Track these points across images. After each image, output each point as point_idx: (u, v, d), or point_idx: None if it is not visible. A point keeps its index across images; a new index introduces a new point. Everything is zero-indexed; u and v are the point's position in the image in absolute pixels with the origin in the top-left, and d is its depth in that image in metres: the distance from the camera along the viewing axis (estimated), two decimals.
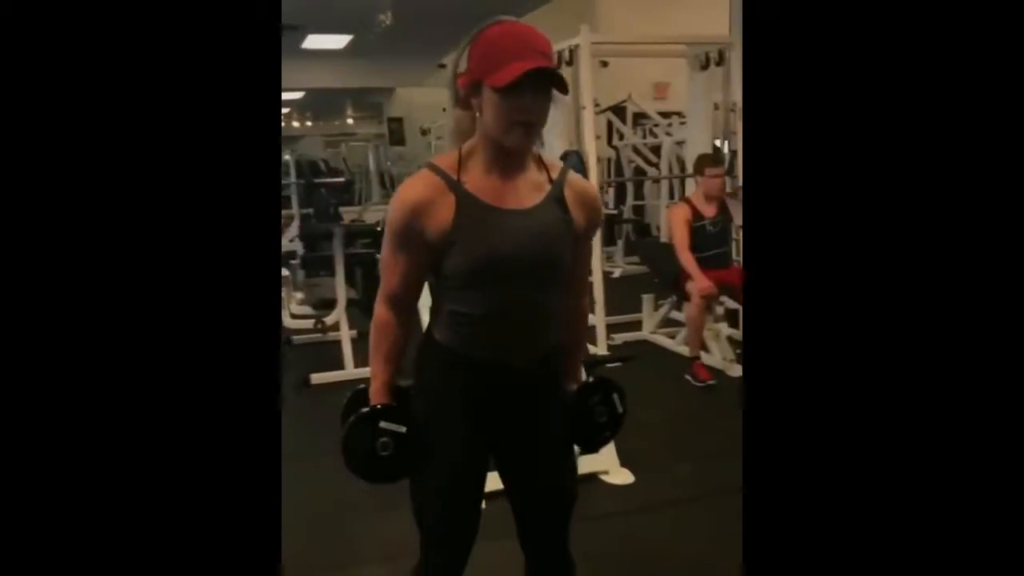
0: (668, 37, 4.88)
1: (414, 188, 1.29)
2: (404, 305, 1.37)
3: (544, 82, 1.20)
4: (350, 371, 4.25)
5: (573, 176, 1.36)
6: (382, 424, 1.34)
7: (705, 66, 4.76)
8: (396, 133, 11.42)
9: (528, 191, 1.31)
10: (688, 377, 4.00)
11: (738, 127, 4.56)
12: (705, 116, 4.84)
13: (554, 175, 1.34)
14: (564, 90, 1.22)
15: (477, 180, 1.29)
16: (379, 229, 5.41)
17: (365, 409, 1.36)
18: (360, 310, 5.32)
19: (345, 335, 4.34)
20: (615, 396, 1.52)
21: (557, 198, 1.33)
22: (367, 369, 4.34)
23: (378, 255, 5.15)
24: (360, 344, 4.56)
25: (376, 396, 1.38)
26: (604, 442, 1.55)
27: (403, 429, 1.34)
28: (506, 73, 1.18)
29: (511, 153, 1.28)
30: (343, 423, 1.41)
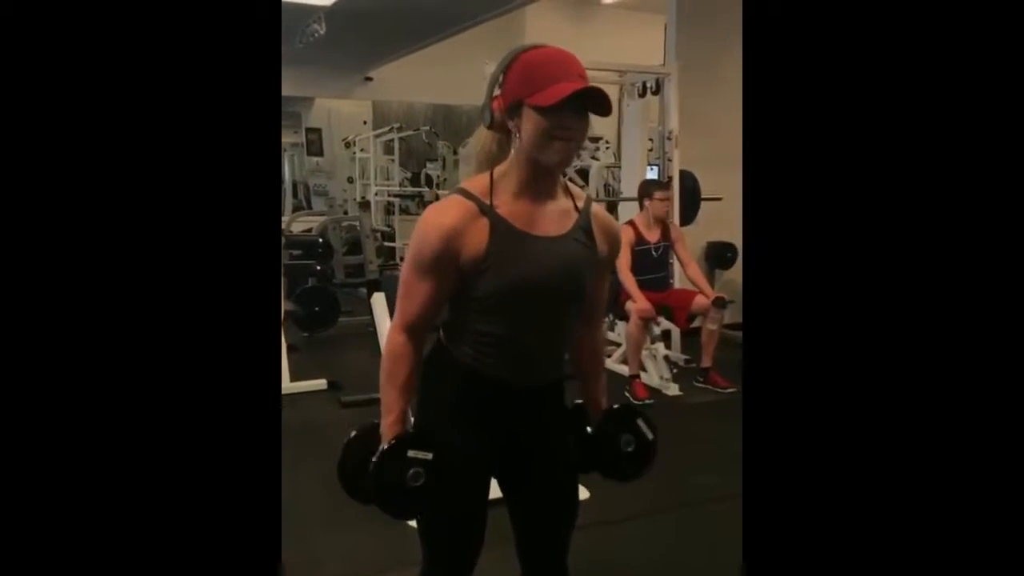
0: (609, 64, 5.03)
1: (448, 213, 1.28)
2: (422, 332, 1.36)
3: (582, 103, 1.23)
4: (287, 384, 4.15)
5: (596, 207, 1.40)
6: (410, 454, 1.29)
7: (643, 94, 4.95)
8: (314, 144, 11.22)
9: (557, 217, 1.33)
10: (627, 395, 4.11)
11: (674, 154, 4.77)
12: (641, 142, 5.01)
13: (579, 204, 1.37)
14: (607, 112, 1.23)
15: (508, 204, 1.29)
16: (321, 240, 5.32)
17: (390, 443, 1.31)
18: (296, 323, 5.22)
19: (281, 347, 4.23)
20: (640, 422, 1.53)
21: (584, 227, 1.35)
22: (304, 383, 4.25)
23: (318, 266, 5.05)
24: (295, 357, 4.47)
25: (393, 429, 1.33)
26: (636, 473, 1.54)
27: (430, 456, 1.30)
28: (552, 93, 1.20)
29: (545, 175, 1.30)
30: (342, 469, 1.42)
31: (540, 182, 1.30)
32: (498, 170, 1.31)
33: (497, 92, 1.28)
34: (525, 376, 1.37)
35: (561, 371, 1.44)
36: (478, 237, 1.27)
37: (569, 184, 1.38)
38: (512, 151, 1.30)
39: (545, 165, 1.27)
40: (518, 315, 1.31)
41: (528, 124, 1.24)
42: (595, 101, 1.23)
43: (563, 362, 1.44)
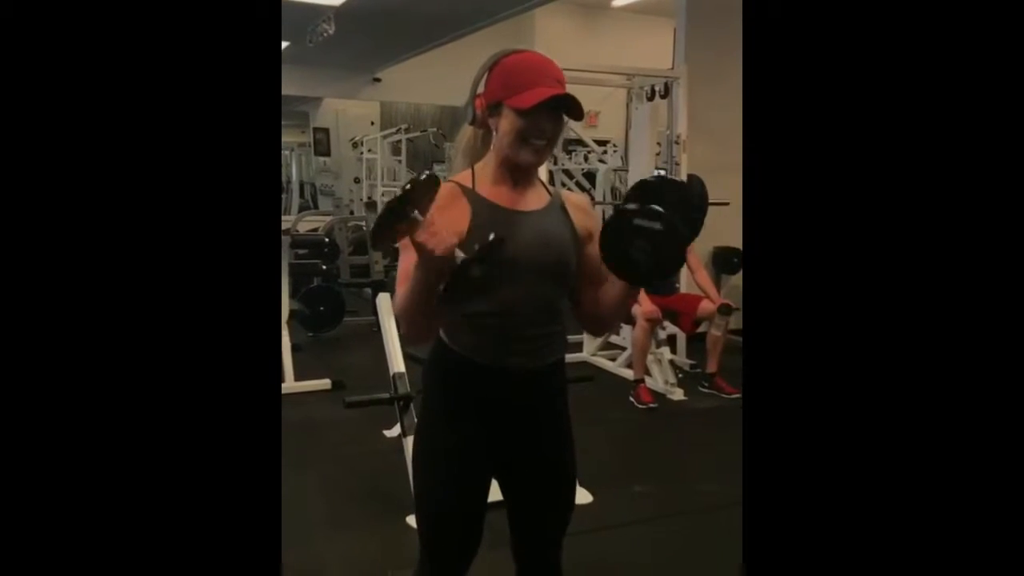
0: (618, 68, 5.04)
1: None
2: None
3: (557, 107, 1.31)
4: (290, 384, 4.16)
5: (566, 191, 1.50)
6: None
7: (651, 97, 4.94)
8: (321, 144, 11.26)
9: (534, 198, 1.41)
10: (631, 399, 4.10)
11: (682, 158, 4.76)
12: (649, 146, 5.00)
13: (551, 191, 1.47)
14: (580, 116, 1.31)
15: (489, 189, 1.37)
16: (327, 240, 5.33)
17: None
18: (301, 323, 5.23)
19: (286, 346, 4.23)
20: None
21: (559, 205, 1.44)
22: (308, 383, 4.24)
23: (323, 266, 5.06)
24: (299, 357, 4.48)
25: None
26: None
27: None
28: (529, 97, 1.28)
29: (520, 171, 1.37)
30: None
31: (517, 174, 1.38)
32: (479, 165, 1.40)
33: (480, 91, 1.36)
34: (520, 356, 1.38)
35: (558, 353, 1.45)
36: (460, 214, 1.33)
37: (539, 179, 1.46)
38: (491, 147, 1.38)
39: (519, 163, 1.35)
40: (506, 290, 1.33)
41: (506, 124, 1.32)
42: (569, 106, 1.31)
43: (559, 341, 1.45)
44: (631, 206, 1.27)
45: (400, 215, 1.10)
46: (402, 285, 1.33)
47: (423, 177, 1.11)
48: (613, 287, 1.41)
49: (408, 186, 1.09)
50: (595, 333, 1.51)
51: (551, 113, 1.31)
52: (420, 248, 1.13)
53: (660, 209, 1.25)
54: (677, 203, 1.31)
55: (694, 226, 1.37)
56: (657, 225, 1.24)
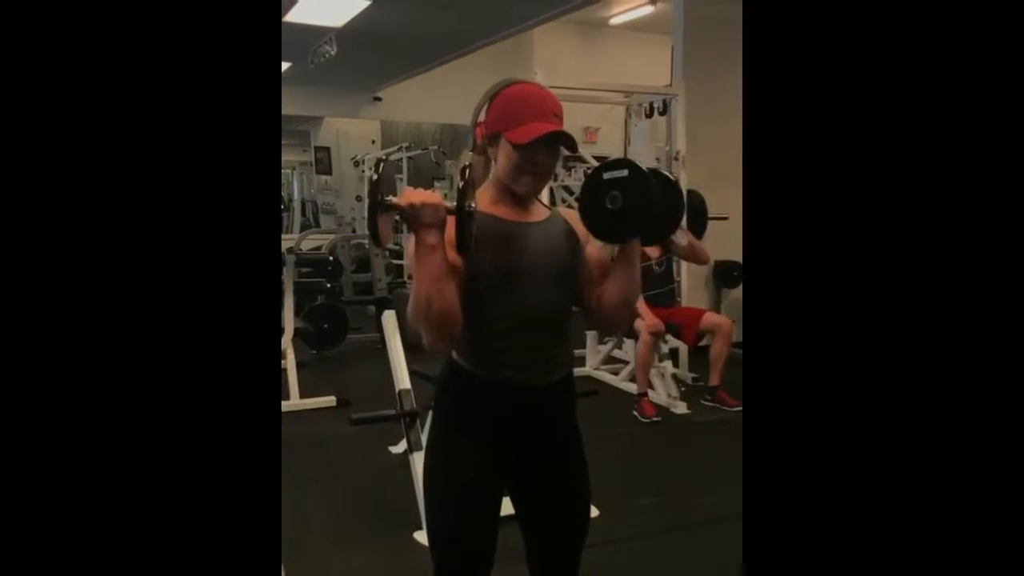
0: (616, 85, 5.09)
1: None
2: None
3: (553, 141, 1.36)
4: (295, 401, 4.18)
5: (562, 208, 1.54)
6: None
7: (650, 114, 4.99)
8: (323, 162, 11.34)
9: (535, 214, 1.46)
10: (635, 413, 4.11)
11: (681, 174, 4.80)
12: (648, 162, 5.04)
13: (549, 207, 1.51)
14: (574, 150, 1.39)
15: (489, 206, 1.41)
16: (330, 259, 5.37)
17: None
18: (305, 340, 5.26)
19: (291, 364, 4.26)
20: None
21: (559, 218, 1.49)
22: (313, 400, 4.25)
23: (327, 284, 5.08)
24: (304, 374, 4.50)
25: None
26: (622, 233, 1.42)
27: None
28: (526, 132, 1.33)
29: (518, 197, 1.43)
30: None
31: (515, 198, 1.43)
32: (478, 191, 1.43)
33: (481, 119, 1.41)
34: (527, 371, 1.41)
35: (566, 367, 1.48)
36: None
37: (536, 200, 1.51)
38: (491, 174, 1.44)
39: (516, 193, 1.41)
40: (511, 301, 1.37)
41: (503, 155, 1.38)
42: (564, 141, 1.37)
43: (566, 356, 1.48)
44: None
45: (378, 206, 1.23)
46: (415, 285, 1.37)
47: (383, 164, 1.26)
48: (614, 282, 1.45)
49: (374, 177, 1.24)
50: (606, 332, 1.57)
51: (547, 147, 1.35)
52: (409, 216, 1.24)
53: (624, 159, 1.36)
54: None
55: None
56: (623, 172, 1.36)
